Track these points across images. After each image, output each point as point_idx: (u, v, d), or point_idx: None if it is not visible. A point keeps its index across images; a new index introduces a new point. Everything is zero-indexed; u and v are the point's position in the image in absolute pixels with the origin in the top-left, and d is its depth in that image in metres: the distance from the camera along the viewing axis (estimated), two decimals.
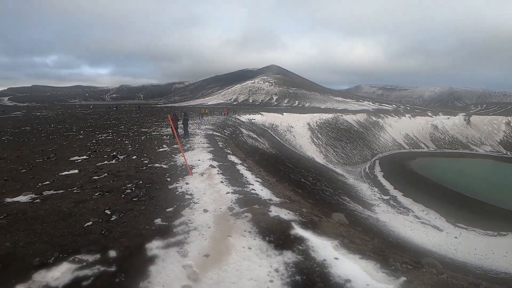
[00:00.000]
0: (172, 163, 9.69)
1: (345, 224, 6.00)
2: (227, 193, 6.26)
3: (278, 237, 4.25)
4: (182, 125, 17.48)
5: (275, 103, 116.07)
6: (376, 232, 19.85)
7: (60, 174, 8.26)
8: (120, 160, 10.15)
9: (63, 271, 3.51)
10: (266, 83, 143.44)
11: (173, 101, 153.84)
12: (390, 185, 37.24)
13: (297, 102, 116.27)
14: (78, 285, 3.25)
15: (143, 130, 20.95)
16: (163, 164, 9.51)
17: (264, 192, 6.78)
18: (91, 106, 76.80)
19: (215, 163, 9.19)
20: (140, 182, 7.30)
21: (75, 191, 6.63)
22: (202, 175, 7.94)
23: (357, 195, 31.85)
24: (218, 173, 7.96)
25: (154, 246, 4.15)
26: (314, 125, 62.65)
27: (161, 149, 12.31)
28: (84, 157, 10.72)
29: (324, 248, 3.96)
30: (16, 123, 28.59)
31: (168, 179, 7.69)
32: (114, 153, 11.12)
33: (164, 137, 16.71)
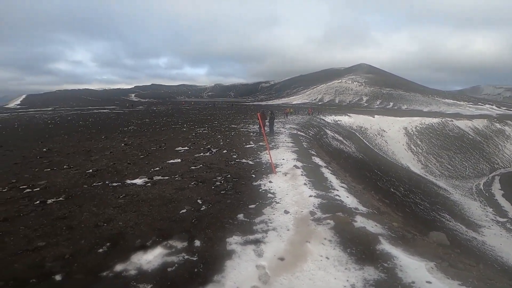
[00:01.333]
0: (258, 160, 10.13)
1: (445, 245, 5.09)
2: (310, 196, 6.10)
3: (361, 250, 3.92)
4: (268, 123, 18.11)
5: (365, 104, 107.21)
6: (479, 256, 16.13)
7: (167, 162, 9.72)
8: (213, 153, 11.27)
9: (155, 255, 3.90)
10: (355, 83, 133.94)
11: (259, 100, 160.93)
12: (511, 207, 29.48)
13: (391, 104, 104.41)
14: (163, 271, 3.57)
15: (233, 126, 22.70)
16: (250, 160, 10.04)
17: (349, 200, 6.35)
18: (192, 103, 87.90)
19: (299, 164, 9.15)
20: (229, 176, 7.83)
21: (176, 178, 7.62)
22: (285, 175, 8.01)
23: (462, 213, 26.48)
24: (302, 175, 7.89)
25: (233, 241, 4.29)
26: (412, 130, 55.06)
27: (248, 146, 13.07)
28: (186, 148, 12.36)
29: (415, 269, 3.45)
30: (139, 115, 35.30)
31: (253, 175, 8.02)
32: (209, 146, 12.43)
33: (251, 134, 17.67)
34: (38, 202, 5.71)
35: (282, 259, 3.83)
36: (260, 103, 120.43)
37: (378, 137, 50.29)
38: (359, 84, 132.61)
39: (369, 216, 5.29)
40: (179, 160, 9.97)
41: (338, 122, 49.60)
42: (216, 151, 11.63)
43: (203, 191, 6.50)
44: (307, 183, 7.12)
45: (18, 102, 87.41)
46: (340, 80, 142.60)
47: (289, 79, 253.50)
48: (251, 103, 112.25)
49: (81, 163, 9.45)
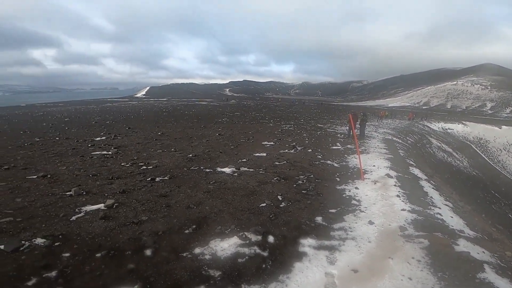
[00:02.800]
0: (344, 163, 9.57)
1: None
2: (403, 210, 5.44)
3: (455, 276, 3.29)
4: (359, 126, 16.85)
5: (489, 111, 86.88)
6: None
7: (254, 154, 10.23)
8: (298, 151, 11.24)
9: (230, 244, 4.07)
10: (476, 86, 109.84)
11: (349, 100, 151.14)
12: None
13: None
14: (234, 261, 3.70)
15: (319, 125, 22.09)
16: (335, 162, 9.58)
17: (453, 220, 5.34)
18: (279, 100, 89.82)
19: (392, 173, 8.19)
20: (312, 176, 7.67)
21: (261, 172, 7.90)
22: (375, 183, 7.31)
23: None
24: (395, 185, 7.05)
25: (306, 243, 4.17)
26: None
27: (334, 147, 12.49)
28: (272, 143, 12.74)
29: None
30: (232, 109, 38.34)
31: (338, 179, 7.64)
32: (294, 144, 12.46)
33: (338, 135, 16.81)
34: (149, 179, 6.81)
35: (355, 271, 3.56)
36: (350, 103, 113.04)
37: (503, 153, 40.19)
38: (483, 87, 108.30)
39: (476, 241, 4.35)
40: (265, 154, 10.35)
41: (448, 130, 41.98)
42: (301, 149, 11.56)
43: (285, 188, 6.54)
44: (400, 195, 6.34)
45: (144, 92, 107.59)
46: (454, 82, 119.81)
47: (385, 79, 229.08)
48: (339, 103, 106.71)
49: (184, 148, 10.94)
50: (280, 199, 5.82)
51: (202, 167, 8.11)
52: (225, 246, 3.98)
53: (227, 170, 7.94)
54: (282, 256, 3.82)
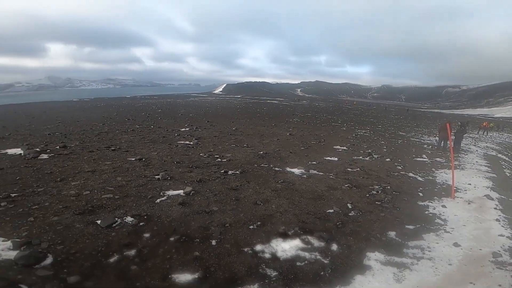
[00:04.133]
0: (430, 177, 8.39)
1: None
2: (500, 235, 4.65)
3: None
4: (453, 137, 14.51)
5: None
6: None
7: (324, 158, 9.87)
8: (374, 159, 10.36)
9: (291, 246, 3.98)
10: None
11: (441, 107, 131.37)
12: None
13: None
14: (292, 263, 3.59)
15: (400, 133, 19.93)
16: (418, 175, 8.48)
17: None
18: (354, 103, 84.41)
19: (494, 194, 6.83)
20: (388, 187, 7.00)
21: (331, 176, 7.57)
22: (469, 203, 6.22)
23: None
24: (495, 208, 5.94)
25: (373, 257, 3.89)
26: None
27: (419, 159, 11.07)
28: (344, 148, 12.08)
29: None
30: (303, 109, 37.91)
31: (420, 194, 6.78)
32: (369, 151, 11.53)
33: (425, 146, 14.83)
34: (223, 171, 7.23)
35: None
36: (442, 111, 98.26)
37: None
38: None
39: None
40: (336, 159, 9.88)
41: None
42: (377, 157, 10.63)
43: (356, 196, 6.16)
44: (500, 219, 5.35)
45: (221, 89, 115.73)
46: None
47: (491, 84, 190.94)
48: (428, 110, 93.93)
49: (255, 145, 11.32)
50: (350, 207, 5.52)
51: (271, 165, 8.23)
52: (286, 247, 3.95)
53: (296, 171, 7.88)
54: (343, 266, 3.62)
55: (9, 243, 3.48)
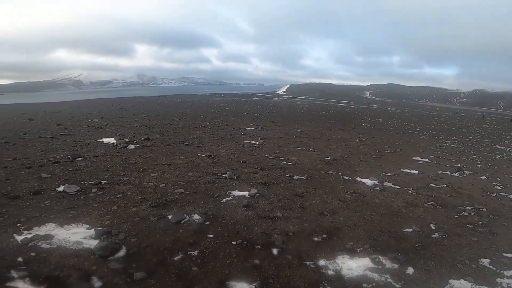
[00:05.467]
0: None
1: None
2: None
3: None
4: None
5: None
6: None
7: (401, 170, 8.78)
8: (465, 175, 8.78)
9: (359, 265, 3.60)
10: None
11: None
12: None
13: None
14: (359, 284, 3.23)
15: (498, 147, 16.59)
16: None
17: None
18: (437, 109, 74.38)
19: None
20: (484, 209, 5.97)
21: (409, 191, 6.70)
22: None
23: None
24: None
25: (457, 285, 3.45)
26: None
27: None
28: (426, 160, 10.57)
29: None
30: (373, 114, 35.00)
31: None
32: (459, 165, 9.82)
33: None
34: (288, 175, 7.02)
35: None
36: None
37: None
38: None
39: None
40: (416, 172, 8.72)
41: None
42: (469, 173, 9.00)
43: (441, 217, 5.40)
44: None
45: (284, 89, 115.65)
46: None
47: None
48: None
49: (322, 149, 10.77)
50: (433, 228, 4.91)
51: (340, 173, 7.69)
52: (353, 266, 3.64)
53: (367, 181, 7.24)
54: None
55: (92, 232, 3.87)
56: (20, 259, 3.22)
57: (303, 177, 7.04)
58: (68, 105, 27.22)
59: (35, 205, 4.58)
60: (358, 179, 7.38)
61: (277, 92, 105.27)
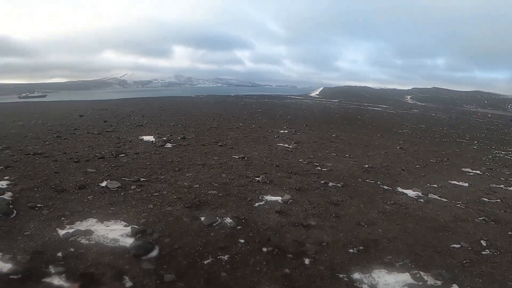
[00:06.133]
0: None
1: None
2: None
3: None
4: None
5: None
6: None
7: (449, 181, 8.05)
8: None
9: (397, 281, 3.37)
10: None
11: None
12: None
13: None
14: None
15: None
16: None
17: None
18: (488, 115, 67.69)
19: None
20: None
21: (458, 205, 6.16)
22: None
23: None
24: None
25: None
26: None
27: None
28: (477, 172, 9.57)
29: None
30: (414, 119, 32.78)
31: None
32: None
33: None
34: (323, 182, 6.76)
35: None
36: None
37: None
38: None
39: None
40: (466, 184, 7.96)
41: None
42: None
43: (494, 233, 4.90)
44: None
45: (317, 92, 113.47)
46: None
47: None
48: None
49: (359, 156, 10.25)
50: (484, 244, 4.48)
51: (379, 182, 7.25)
52: (391, 281, 3.40)
53: (410, 192, 6.75)
54: None
55: (128, 229, 3.98)
56: (59, 254, 3.37)
57: (338, 185, 6.73)
58: (114, 103, 29.26)
59: (79, 199, 4.86)
60: (400, 189, 6.90)
61: (310, 94, 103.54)
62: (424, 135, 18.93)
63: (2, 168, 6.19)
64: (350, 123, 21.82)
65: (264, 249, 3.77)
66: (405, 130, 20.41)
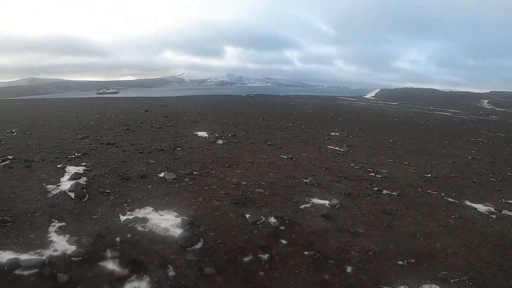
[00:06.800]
0: None
1: None
2: None
3: None
4: None
5: None
6: None
7: None
8: None
9: None
10: None
11: None
12: None
13: None
14: None
15: None
16: None
17: None
18: None
19: None
20: None
21: None
22: None
23: None
24: None
25: None
26: None
27: None
28: None
29: None
30: (492, 127, 28.49)
31: None
32: None
33: None
34: (376, 189, 6.30)
35: None
36: None
37: None
38: None
39: None
40: None
41: None
42: None
43: None
44: None
45: (373, 94, 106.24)
46: None
47: None
48: None
49: (420, 164, 9.31)
50: None
51: (443, 194, 6.51)
52: None
53: (480, 207, 5.97)
54: None
55: (179, 220, 4.21)
56: (117, 239, 3.67)
57: (394, 193, 6.21)
58: (173, 100, 31.71)
59: (140, 188, 5.34)
60: (468, 203, 6.11)
61: (365, 96, 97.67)
62: (503, 145, 16.32)
63: (80, 155, 7.18)
64: (411, 128, 19.96)
65: (306, 253, 3.68)
66: (479, 139, 17.86)
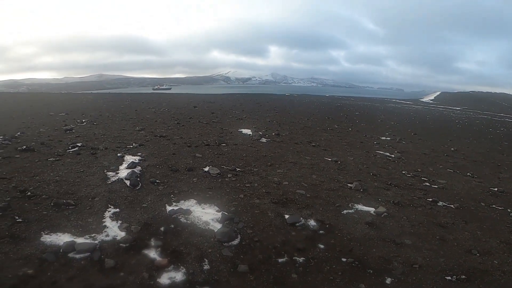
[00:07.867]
0: None
1: None
2: None
3: None
4: None
5: None
6: None
7: None
8: None
9: None
10: None
11: None
12: None
13: None
14: None
15: None
16: None
17: None
18: None
19: None
20: None
21: None
22: None
23: None
24: None
25: None
26: None
27: None
28: None
29: None
30: None
31: None
32: None
33: None
34: (430, 199, 5.76)
35: None
36: None
37: None
38: None
39: None
40: None
41: None
42: None
43: None
44: None
45: (432, 97, 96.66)
46: None
47: None
48: None
49: (486, 176, 8.22)
50: None
51: (509, 210, 5.74)
52: None
53: None
54: None
55: (219, 215, 4.31)
56: (162, 228, 3.87)
57: (451, 206, 5.62)
58: (219, 97, 32.88)
59: (186, 180, 5.63)
60: None
61: (422, 99, 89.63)
62: None
63: (137, 146, 7.86)
64: (477, 136, 17.72)
65: (343, 259, 3.52)
66: None
